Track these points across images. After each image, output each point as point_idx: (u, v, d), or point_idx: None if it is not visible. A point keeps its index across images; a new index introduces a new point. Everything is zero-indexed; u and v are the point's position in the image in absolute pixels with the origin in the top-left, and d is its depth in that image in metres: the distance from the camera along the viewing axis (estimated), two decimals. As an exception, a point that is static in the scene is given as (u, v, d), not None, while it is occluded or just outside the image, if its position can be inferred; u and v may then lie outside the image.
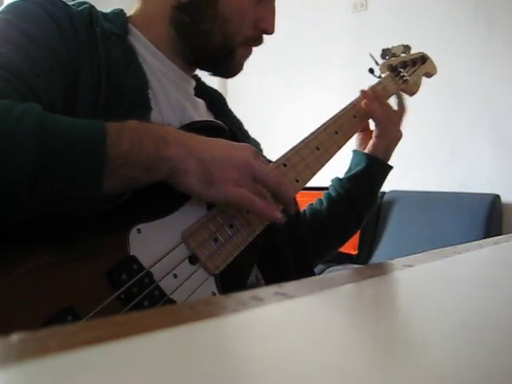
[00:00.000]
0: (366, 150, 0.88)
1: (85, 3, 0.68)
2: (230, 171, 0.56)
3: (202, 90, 0.82)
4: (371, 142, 0.88)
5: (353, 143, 0.90)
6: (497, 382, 0.17)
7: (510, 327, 0.24)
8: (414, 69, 1.00)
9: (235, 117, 0.85)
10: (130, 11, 0.75)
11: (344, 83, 2.93)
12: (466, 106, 2.61)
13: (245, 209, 0.60)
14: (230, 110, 0.85)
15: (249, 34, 0.72)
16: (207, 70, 0.77)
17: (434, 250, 0.46)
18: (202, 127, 0.67)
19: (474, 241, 0.57)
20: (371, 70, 0.97)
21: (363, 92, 0.86)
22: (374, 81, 0.94)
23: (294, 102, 3.23)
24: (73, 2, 0.68)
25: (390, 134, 0.89)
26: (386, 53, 0.99)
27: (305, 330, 0.22)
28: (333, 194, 0.88)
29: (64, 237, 0.51)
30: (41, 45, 0.58)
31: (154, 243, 0.55)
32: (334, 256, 2.56)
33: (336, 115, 0.83)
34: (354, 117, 0.84)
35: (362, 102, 0.85)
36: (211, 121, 0.73)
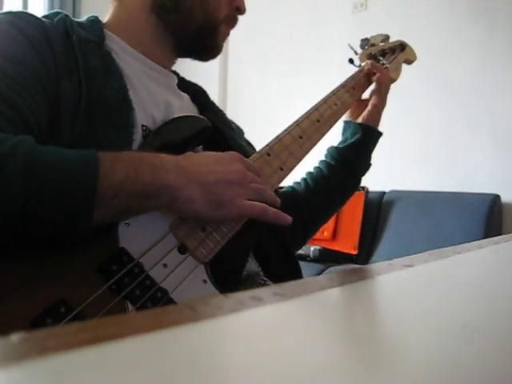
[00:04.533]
0: (360, 120, 0.94)
1: (59, 13, 0.69)
2: (235, 188, 0.58)
3: (185, 86, 0.83)
4: (366, 112, 0.94)
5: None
6: (497, 382, 0.17)
7: (510, 327, 0.24)
8: (393, 56, 1.02)
9: (218, 107, 0.87)
10: (103, 17, 0.76)
11: (344, 83, 2.92)
12: (465, 106, 2.61)
13: (259, 219, 0.62)
14: (212, 102, 0.87)
15: (228, 12, 0.76)
16: (188, 54, 0.79)
17: (434, 250, 0.46)
18: (183, 127, 0.68)
19: (473, 241, 0.57)
20: (351, 61, 1.00)
21: (369, 63, 0.96)
22: (354, 70, 0.96)
23: (294, 102, 3.23)
24: (47, 13, 0.69)
25: (385, 99, 0.96)
26: (364, 43, 1.01)
27: (304, 331, 0.22)
28: (332, 162, 0.94)
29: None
30: (18, 64, 0.58)
31: (142, 235, 0.56)
32: (334, 256, 2.58)
33: (318, 104, 0.85)
34: (335, 105, 0.87)
35: (369, 64, 0.95)
36: (194, 116, 0.73)
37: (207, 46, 0.77)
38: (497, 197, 2.40)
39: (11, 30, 0.61)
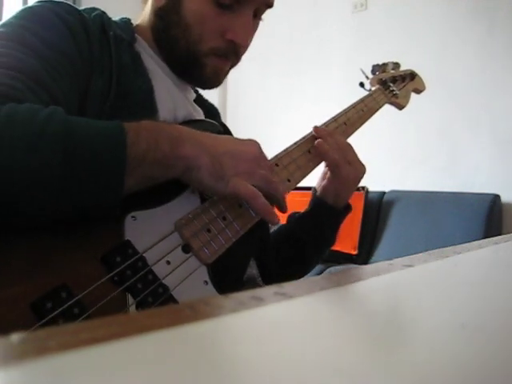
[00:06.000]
0: (318, 191, 0.84)
1: (96, 10, 0.70)
2: (241, 165, 0.59)
3: (201, 103, 0.84)
4: (322, 184, 0.83)
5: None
6: (497, 382, 0.17)
7: (510, 327, 0.24)
8: (403, 84, 1.06)
9: (228, 129, 0.87)
10: (135, 20, 0.77)
11: (344, 83, 2.93)
12: (465, 105, 2.62)
13: (248, 204, 0.61)
14: (223, 123, 0.88)
15: (215, 45, 0.70)
16: (186, 80, 0.77)
17: (433, 250, 0.46)
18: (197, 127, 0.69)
19: (473, 241, 0.57)
20: (361, 84, 1.03)
21: (315, 128, 0.81)
22: (364, 94, 0.97)
23: (295, 102, 3.23)
24: (83, 8, 0.69)
25: (345, 174, 0.79)
26: (376, 68, 1.04)
27: (305, 330, 0.22)
28: (282, 228, 0.88)
29: (63, 221, 0.52)
30: (57, 50, 0.60)
31: (148, 230, 0.57)
32: (334, 256, 2.58)
33: (326, 122, 0.85)
34: (309, 152, 0.79)
35: (316, 141, 0.79)
36: (208, 121, 0.75)
37: (195, 75, 0.74)
38: (497, 197, 2.40)
39: (53, 17, 0.62)
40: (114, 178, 0.50)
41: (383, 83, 1.02)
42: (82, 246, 0.52)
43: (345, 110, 0.89)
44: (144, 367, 0.16)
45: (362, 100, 0.94)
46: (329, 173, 0.81)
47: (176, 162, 0.55)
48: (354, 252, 2.63)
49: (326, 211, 0.83)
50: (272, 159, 0.73)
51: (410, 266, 0.37)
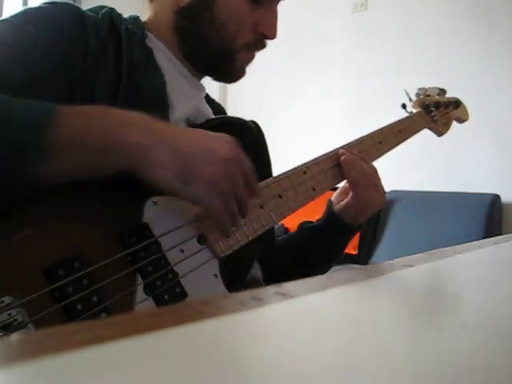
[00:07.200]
0: (337, 207, 0.82)
1: (104, 7, 0.70)
2: (212, 168, 0.52)
3: (208, 102, 0.83)
4: (345, 201, 0.81)
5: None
6: (497, 382, 0.17)
7: (510, 327, 0.24)
8: (445, 111, 1.04)
9: None
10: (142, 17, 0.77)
11: (344, 83, 2.93)
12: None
13: (207, 216, 0.58)
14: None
15: (248, 39, 0.72)
16: (209, 75, 0.77)
17: (434, 250, 0.46)
18: (227, 122, 0.70)
19: (473, 241, 0.57)
20: (404, 106, 1.00)
21: (341, 151, 0.79)
22: (404, 115, 0.96)
23: (294, 102, 3.23)
24: (91, 7, 0.69)
25: (366, 196, 0.79)
26: (420, 92, 1.03)
27: (305, 330, 0.22)
28: (291, 236, 0.88)
29: (87, 196, 0.53)
30: (48, 55, 0.59)
31: (167, 217, 0.58)
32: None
33: (361, 138, 0.84)
34: (339, 165, 0.78)
35: (342, 158, 0.78)
36: (242, 119, 0.71)
37: (224, 71, 0.75)
38: (497, 197, 2.40)
39: (51, 22, 0.61)
40: (32, 153, 0.47)
41: (426, 107, 1.00)
42: (100, 221, 0.54)
43: (381, 128, 0.88)
44: (144, 367, 0.16)
45: (400, 121, 0.92)
46: (351, 191, 0.80)
47: (121, 149, 0.49)
48: (354, 252, 2.62)
49: (341, 228, 0.82)
50: (300, 166, 0.72)
51: (410, 266, 0.37)
